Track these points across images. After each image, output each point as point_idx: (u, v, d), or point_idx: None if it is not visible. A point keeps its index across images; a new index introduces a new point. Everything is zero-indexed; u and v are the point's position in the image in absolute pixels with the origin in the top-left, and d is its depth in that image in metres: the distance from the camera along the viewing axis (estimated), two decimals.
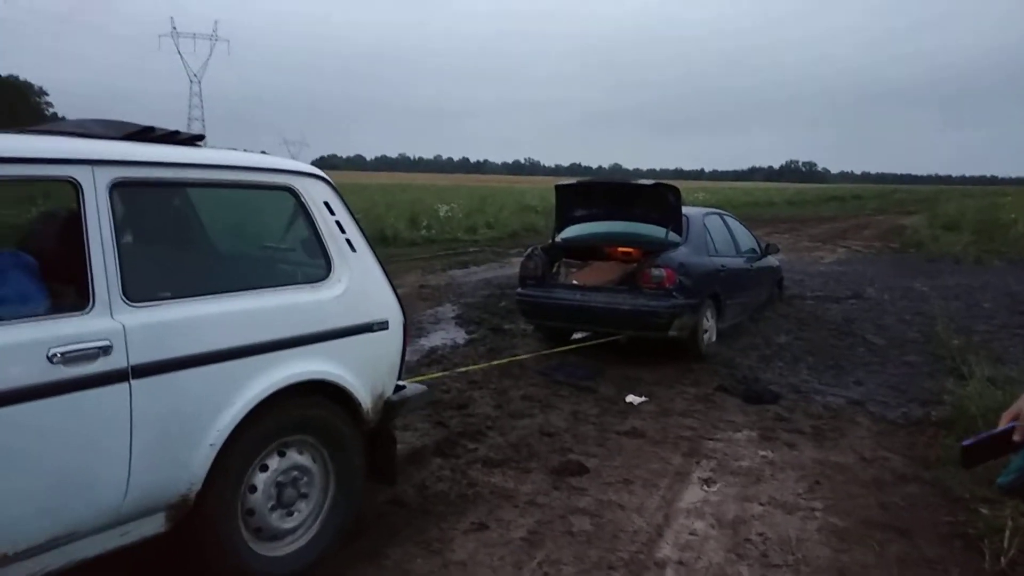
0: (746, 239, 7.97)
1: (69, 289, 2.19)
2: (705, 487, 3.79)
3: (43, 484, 2.00)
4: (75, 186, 2.14)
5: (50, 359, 1.98)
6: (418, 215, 19.17)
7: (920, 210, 33.75)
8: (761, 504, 3.58)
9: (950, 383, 5.24)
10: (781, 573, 2.95)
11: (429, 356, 6.44)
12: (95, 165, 2.19)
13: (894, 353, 6.72)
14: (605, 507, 3.51)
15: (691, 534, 3.27)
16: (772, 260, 8.54)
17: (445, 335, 7.39)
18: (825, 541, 3.22)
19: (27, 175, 2.12)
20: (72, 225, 2.18)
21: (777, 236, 17.69)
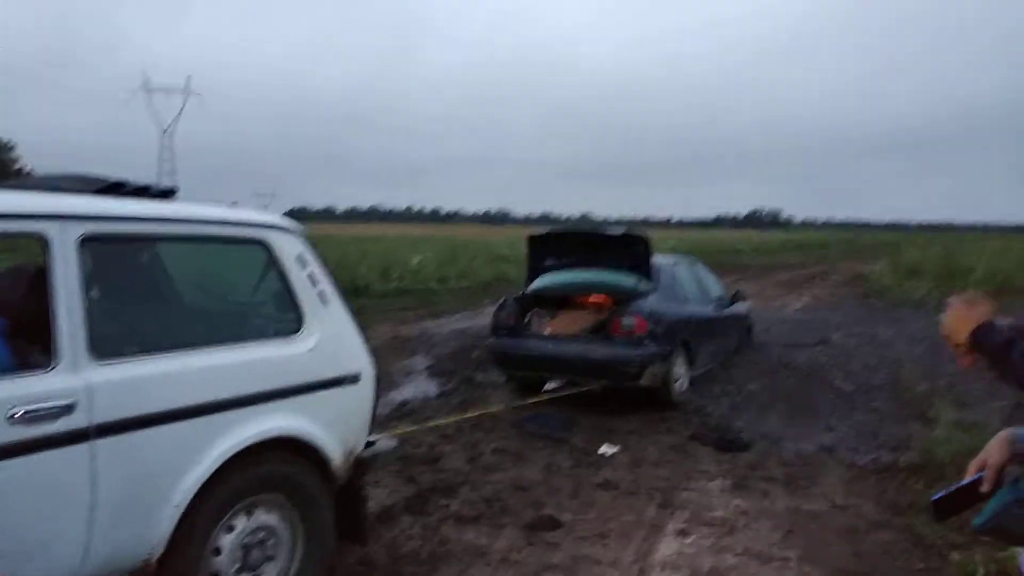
0: (714, 286, 8.08)
1: (34, 346, 2.15)
2: (680, 538, 3.76)
3: (2, 546, 1.93)
4: (43, 241, 2.12)
5: (9, 419, 1.93)
6: (390, 266, 19.13)
7: (882, 256, 34.58)
8: (736, 555, 3.56)
9: (917, 428, 5.32)
10: None
11: (400, 409, 6.36)
12: (64, 220, 2.17)
13: (862, 399, 6.80)
14: (580, 562, 3.47)
15: None
16: (741, 307, 8.66)
17: (416, 387, 7.32)
18: None
19: None
20: (39, 281, 2.16)
21: (744, 283, 17.96)
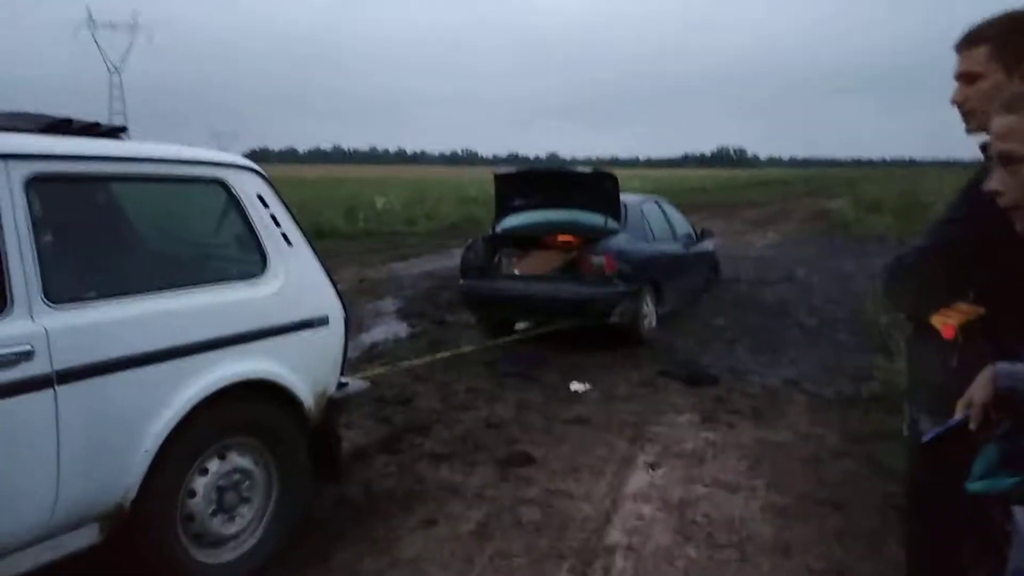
0: (682, 225, 8.11)
1: None
2: (650, 471, 3.84)
3: None
4: None
5: None
6: (355, 208, 18.86)
7: (844, 193, 35.03)
8: (705, 485, 3.66)
9: (878, 359, 5.46)
10: (727, 553, 3.02)
11: (370, 351, 6.34)
12: (8, 159, 2.06)
13: (825, 332, 6.96)
14: (553, 496, 3.53)
15: (638, 518, 3.31)
16: (708, 245, 8.72)
17: (387, 329, 7.30)
18: (768, 519, 3.31)
19: None
20: None
21: (711, 221, 18.05)
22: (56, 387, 2.03)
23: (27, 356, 1.98)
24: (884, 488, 3.56)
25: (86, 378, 2.10)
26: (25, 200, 2.07)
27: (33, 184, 2.11)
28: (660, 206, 7.78)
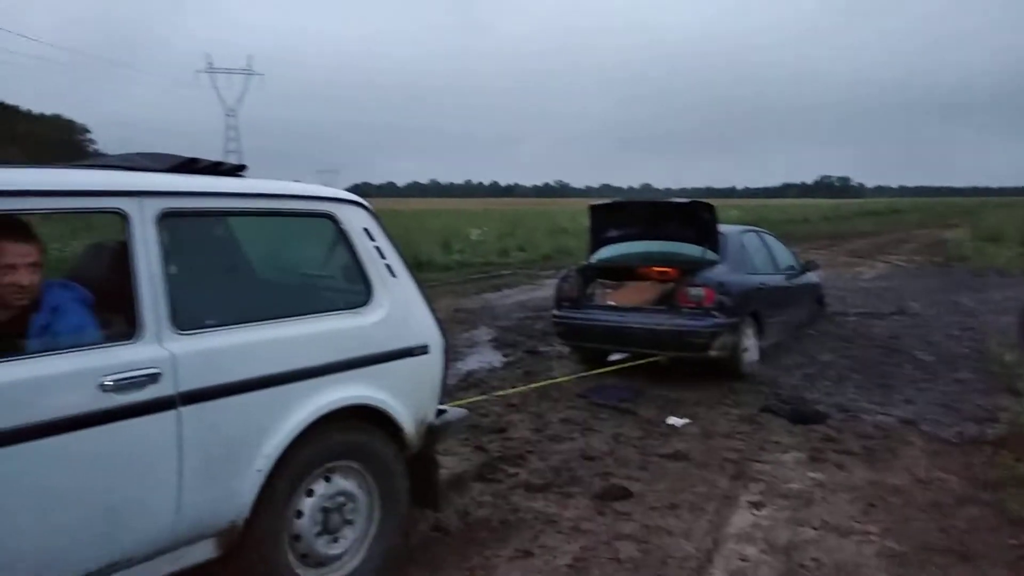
0: (784, 256, 7.84)
1: (119, 318, 2.22)
2: (754, 511, 3.68)
3: (97, 511, 2.02)
4: (123, 217, 2.18)
5: (101, 387, 2.00)
6: (450, 239, 19.29)
7: (962, 223, 32.98)
8: (814, 528, 3.47)
9: (1005, 399, 5.07)
10: None
11: (466, 380, 6.42)
12: (143, 196, 2.23)
13: (944, 370, 6.52)
14: (652, 532, 3.44)
15: (742, 559, 3.17)
16: (812, 276, 8.39)
17: (481, 358, 7.37)
18: (884, 567, 3.10)
19: (78, 207, 2.17)
20: (120, 255, 2.22)
21: (815, 252, 17.42)
22: (180, 408, 2.16)
23: (154, 379, 2.12)
24: (1016, 538, 3.28)
25: (207, 400, 2.22)
26: (156, 234, 2.23)
27: (164, 219, 2.27)
28: (761, 237, 7.56)
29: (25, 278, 2.15)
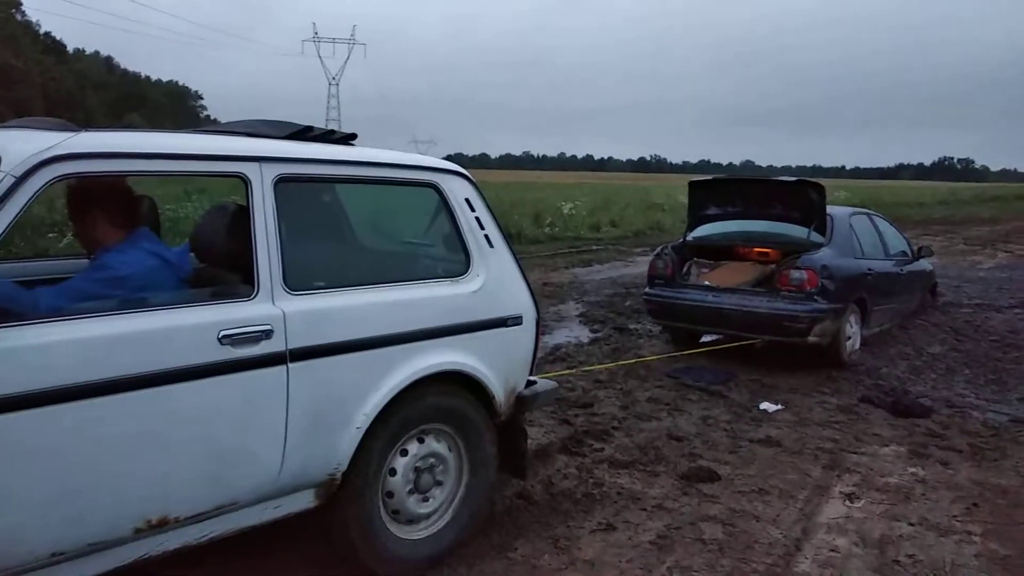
0: (896, 241, 7.45)
1: (237, 277, 2.36)
2: (848, 502, 3.57)
3: (211, 455, 2.18)
4: (245, 181, 2.31)
5: (220, 340, 2.15)
6: (542, 213, 19.28)
7: None
8: (911, 524, 3.34)
9: None
10: None
11: (553, 353, 6.46)
12: (263, 162, 2.35)
13: None
14: (738, 516, 3.40)
15: (832, 551, 3.09)
16: (925, 264, 7.94)
17: (569, 333, 7.40)
18: (985, 568, 2.96)
19: (204, 171, 2.32)
20: (241, 218, 2.36)
21: (929, 239, 16.41)
22: (289, 364, 2.29)
23: (267, 335, 2.25)
24: None
25: (314, 358, 2.34)
26: (274, 198, 2.36)
27: (280, 184, 2.39)
28: (872, 219, 7.20)
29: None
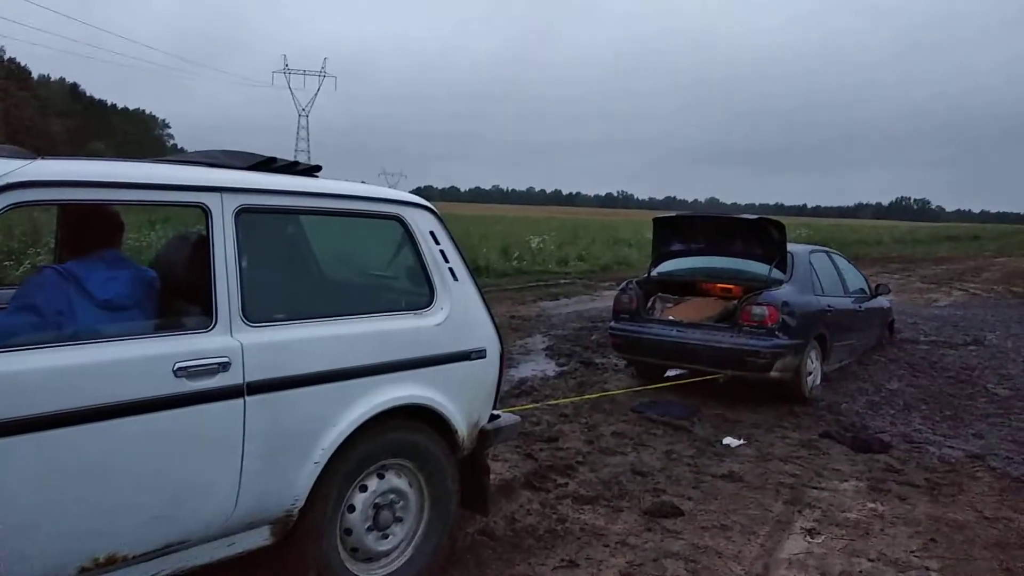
0: (854, 278, 7.62)
1: (195, 308, 2.33)
2: (808, 538, 3.59)
3: (162, 491, 2.12)
4: (205, 211, 2.29)
5: (175, 372, 2.10)
6: (510, 246, 19.36)
7: None
8: (870, 560, 3.36)
9: None
10: None
11: (519, 387, 6.44)
12: (224, 192, 2.34)
13: (1019, 405, 6.21)
14: (701, 552, 3.39)
15: None
16: (883, 301, 8.12)
17: (535, 366, 7.39)
18: None
19: (164, 200, 2.30)
20: (200, 248, 2.33)
21: (887, 276, 16.83)
22: (246, 397, 2.25)
23: (224, 367, 2.21)
24: None
25: (272, 391, 2.31)
26: (235, 229, 2.33)
27: (241, 215, 2.37)
28: (831, 257, 7.37)
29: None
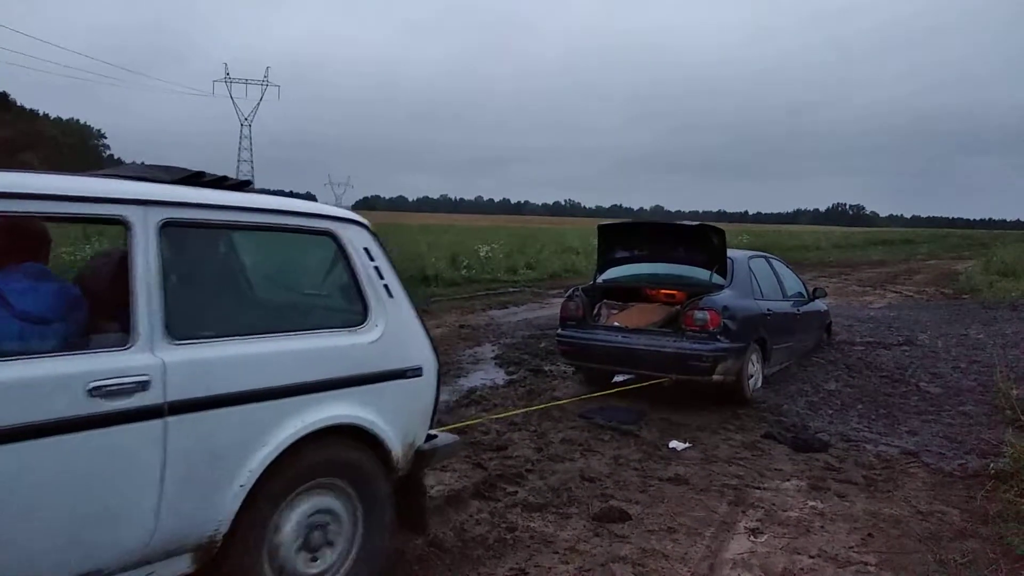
0: (793, 283, 7.81)
1: (114, 324, 2.22)
2: (752, 537, 3.64)
3: (74, 517, 2.00)
4: (125, 225, 2.20)
5: (89, 392, 2.00)
6: (459, 255, 19.28)
7: (975, 255, 32.77)
8: (811, 557, 3.42)
9: (1010, 434, 5.01)
10: None
11: (468, 396, 6.39)
12: (146, 205, 2.24)
13: (950, 402, 6.45)
14: (648, 556, 3.40)
15: None
16: (820, 304, 8.35)
17: (484, 376, 7.35)
18: None
19: (81, 213, 2.19)
20: (122, 263, 2.23)
21: (824, 280, 17.33)
22: (167, 418, 2.15)
23: (144, 386, 2.11)
24: (1015, 574, 3.22)
25: (195, 411, 2.21)
26: (157, 243, 2.24)
27: (165, 229, 2.28)
28: (769, 262, 7.54)
29: None
